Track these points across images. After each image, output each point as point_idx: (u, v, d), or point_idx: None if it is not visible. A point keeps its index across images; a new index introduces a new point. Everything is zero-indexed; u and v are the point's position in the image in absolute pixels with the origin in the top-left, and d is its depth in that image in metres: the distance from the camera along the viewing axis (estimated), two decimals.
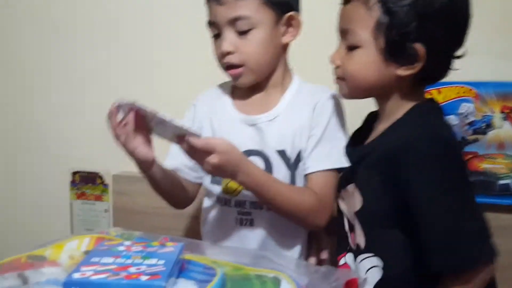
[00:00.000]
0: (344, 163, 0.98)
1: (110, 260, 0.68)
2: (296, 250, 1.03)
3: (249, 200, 1.01)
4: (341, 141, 1.00)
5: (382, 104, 0.94)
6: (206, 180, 1.06)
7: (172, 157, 1.06)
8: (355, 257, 0.93)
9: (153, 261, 0.68)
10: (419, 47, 0.84)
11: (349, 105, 1.03)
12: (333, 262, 0.99)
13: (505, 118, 1.21)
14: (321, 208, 0.97)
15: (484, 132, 1.23)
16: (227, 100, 1.07)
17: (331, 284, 0.71)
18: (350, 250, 0.95)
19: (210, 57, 1.03)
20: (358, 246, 0.92)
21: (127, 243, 0.75)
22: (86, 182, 1.63)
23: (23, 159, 1.72)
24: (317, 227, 1.01)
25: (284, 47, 1.03)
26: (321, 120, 1.00)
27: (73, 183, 1.65)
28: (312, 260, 1.04)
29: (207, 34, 1.02)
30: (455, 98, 1.24)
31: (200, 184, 1.09)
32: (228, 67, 1.00)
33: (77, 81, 1.62)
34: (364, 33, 0.86)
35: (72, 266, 0.70)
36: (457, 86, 1.23)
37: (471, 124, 1.24)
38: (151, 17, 1.52)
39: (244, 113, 1.04)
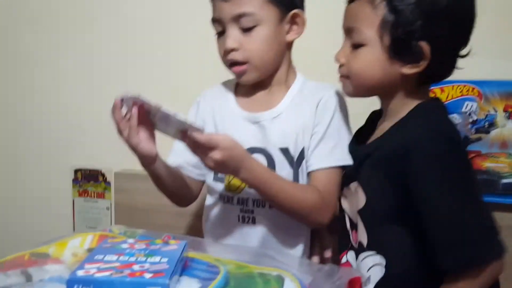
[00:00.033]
0: (348, 160, 0.98)
1: (113, 257, 0.68)
2: (299, 249, 1.03)
3: (251, 197, 1.00)
4: (345, 138, 1.00)
5: (386, 102, 0.94)
6: (209, 177, 1.06)
7: (175, 155, 1.06)
8: (357, 255, 0.93)
9: (156, 258, 0.68)
10: (424, 46, 0.84)
11: (351, 104, 1.03)
12: (336, 260, 0.99)
13: (508, 117, 1.21)
14: (324, 206, 0.96)
15: (487, 131, 1.23)
16: (230, 97, 1.07)
17: (335, 283, 0.71)
18: (352, 248, 0.95)
19: (215, 55, 1.02)
20: (360, 244, 0.92)
21: (131, 240, 0.75)
22: (88, 180, 1.63)
23: (25, 157, 1.72)
24: (320, 225, 1.00)
25: (288, 45, 1.03)
26: (324, 117, 1.00)
27: (75, 180, 1.65)
28: (315, 259, 1.03)
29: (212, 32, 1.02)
30: (458, 97, 1.23)
31: (203, 182, 1.08)
32: (231, 64, 0.99)
33: (79, 79, 1.62)
34: (370, 31, 0.87)
35: (75, 264, 0.70)
36: (460, 85, 1.23)
37: (474, 123, 1.24)
38: (152, 16, 1.52)
39: (247, 111, 1.03)
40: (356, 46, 0.89)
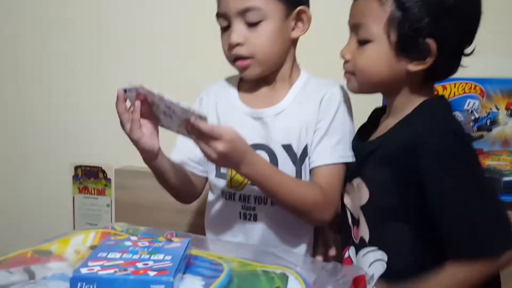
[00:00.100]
0: (351, 157, 0.97)
1: (117, 255, 0.68)
2: (302, 248, 1.02)
3: (253, 194, 1.00)
4: (348, 134, 0.99)
5: (391, 99, 0.94)
6: (211, 174, 1.05)
7: (178, 151, 1.05)
8: (357, 250, 0.93)
9: (160, 256, 0.67)
10: (431, 43, 0.84)
11: (353, 100, 1.03)
12: (339, 259, 0.99)
13: (510, 115, 1.21)
14: (326, 203, 0.96)
15: (489, 129, 1.23)
16: (233, 92, 1.06)
17: (339, 281, 0.71)
18: (353, 244, 0.95)
19: (220, 53, 1.01)
20: (362, 239, 0.92)
21: (134, 238, 0.75)
22: (88, 177, 1.63)
23: (25, 153, 1.71)
24: (322, 222, 1.00)
25: (293, 42, 1.02)
26: (327, 113, 0.99)
27: (75, 177, 1.64)
28: (319, 258, 1.03)
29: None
30: (460, 95, 1.24)
31: (206, 178, 1.08)
32: (236, 59, 0.98)
33: (79, 76, 1.62)
34: (377, 28, 0.86)
35: (78, 261, 0.70)
36: (462, 83, 1.23)
37: (476, 120, 1.24)
38: (152, 15, 1.52)
39: (250, 107, 1.03)
40: (363, 42, 0.89)
